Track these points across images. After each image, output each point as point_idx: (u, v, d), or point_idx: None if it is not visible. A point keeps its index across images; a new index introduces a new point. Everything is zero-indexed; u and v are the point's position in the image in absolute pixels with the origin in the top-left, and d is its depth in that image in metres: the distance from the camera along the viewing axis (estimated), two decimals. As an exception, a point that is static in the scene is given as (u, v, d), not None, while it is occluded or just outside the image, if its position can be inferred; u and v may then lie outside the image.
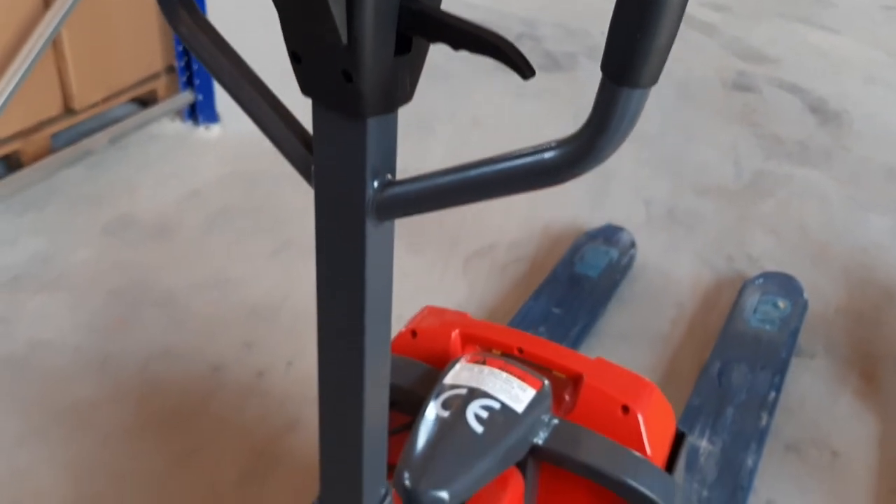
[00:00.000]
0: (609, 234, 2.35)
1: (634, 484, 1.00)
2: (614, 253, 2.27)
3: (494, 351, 1.10)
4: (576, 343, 1.97)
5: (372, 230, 0.66)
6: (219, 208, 2.53)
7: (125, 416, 1.83)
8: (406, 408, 1.05)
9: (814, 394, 1.95)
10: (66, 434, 1.78)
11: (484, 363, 1.04)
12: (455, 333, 1.14)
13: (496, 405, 0.98)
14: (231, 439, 1.78)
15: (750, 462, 1.67)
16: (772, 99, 3.31)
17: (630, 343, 2.09)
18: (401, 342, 1.17)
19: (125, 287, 2.20)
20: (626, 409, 1.05)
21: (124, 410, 1.84)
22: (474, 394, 0.99)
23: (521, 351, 1.11)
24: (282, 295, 2.13)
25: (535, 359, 1.10)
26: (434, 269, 2.30)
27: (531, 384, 1.02)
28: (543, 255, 2.38)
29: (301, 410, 1.82)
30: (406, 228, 2.44)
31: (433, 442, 0.94)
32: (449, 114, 3.08)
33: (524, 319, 2.00)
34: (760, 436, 1.74)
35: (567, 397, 1.09)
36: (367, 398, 0.73)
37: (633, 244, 2.31)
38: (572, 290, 2.12)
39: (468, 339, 1.14)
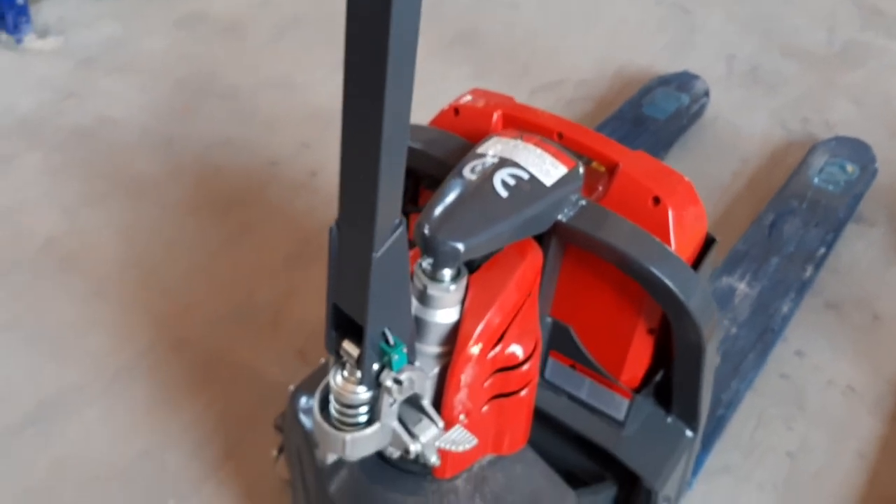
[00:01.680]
0: (684, 80, 2.27)
1: (654, 271, 1.00)
2: (686, 99, 2.20)
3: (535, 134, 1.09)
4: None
5: None
6: (291, 16, 2.52)
7: (183, 193, 1.90)
8: (436, 185, 1.06)
9: (866, 259, 1.90)
10: (126, 203, 1.86)
11: (520, 139, 1.04)
12: (497, 114, 1.14)
13: (524, 175, 0.98)
14: (280, 226, 1.84)
15: (785, 309, 1.66)
16: (883, -31, 3.09)
17: (686, 188, 2.05)
18: (443, 119, 1.17)
19: (193, 77, 2.23)
20: (657, 200, 1.04)
21: (183, 188, 1.91)
22: (504, 163, 0.99)
23: (560, 136, 1.10)
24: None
25: (573, 145, 1.09)
26: (498, 97, 2.28)
27: (564, 163, 1.02)
28: (612, 97, 2.32)
29: (349, 211, 1.86)
30: (475, 54, 2.41)
31: (456, 199, 0.95)
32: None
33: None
34: (801, 287, 1.72)
35: (601, 188, 1.08)
36: (387, 117, 0.74)
37: (706, 93, 2.24)
38: (636, 128, 2.08)
39: (510, 121, 1.13)
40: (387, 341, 0.91)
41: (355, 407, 0.96)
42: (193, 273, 1.73)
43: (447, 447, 0.99)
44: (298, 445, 1.18)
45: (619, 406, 1.20)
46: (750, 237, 1.82)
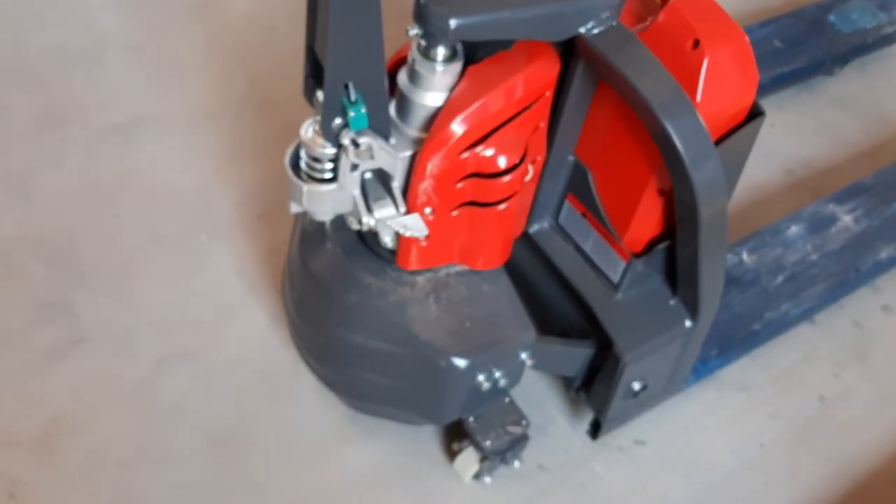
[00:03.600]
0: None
1: (662, 118, 0.91)
2: (883, 18, 1.94)
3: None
4: (772, 86, 1.77)
5: None
6: None
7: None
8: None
9: None
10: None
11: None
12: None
13: (550, -28, 0.91)
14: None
15: (884, 255, 1.48)
16: None
17: (843, 109, 1.85)
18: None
19: None
20: (696, 43, 0.94)
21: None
22: (536, -44, 0.92)
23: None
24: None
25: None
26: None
27: (606, -24, 0.93)
28: (806, 2, 2.08)
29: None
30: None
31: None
32: None
33: (736, 36, 1.80)
34: (918, 241, 1.52)
35: (649, 20, 0.99)
36: None
37: (914, 19, 1.96)
38: (810, 32, 1.87)
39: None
40: (349, 97, 0.90)
41: (320, 161, 0.97)
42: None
43: (398, 229, 0.99)
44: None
45: (616, 266, 1.14)
46: (883, 174, 1.62)
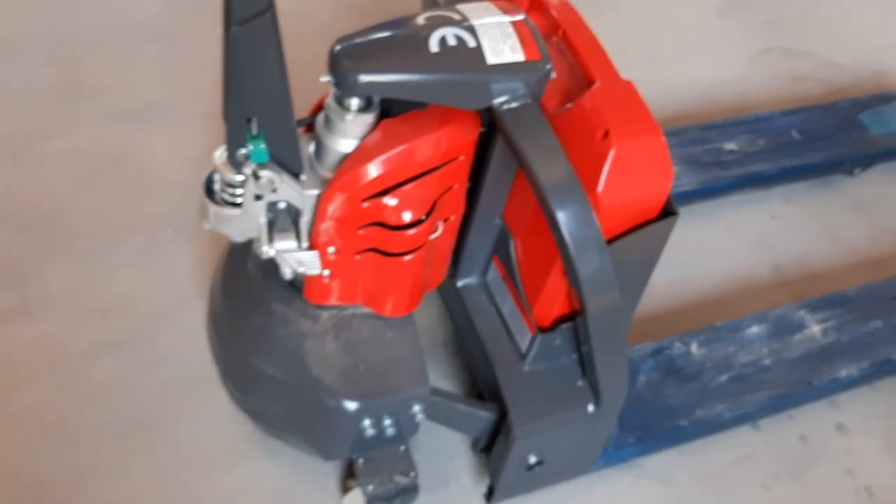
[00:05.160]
0: (936, 108, 1.92)
1: (551, 202, 0.90)
2: (921, 126, 1.87)
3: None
4: (781, 178, 1.73)
5: None
6: None
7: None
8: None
9: None
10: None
11: (505, 13, 0.95)
12: (528, -2, 1.05)
13: (471, 43, 0.91)
14: None
15: (844, 373, 1.42)
16: None
17: (854, 213, 1.78)
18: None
19: None
20: (606, 134, 0.93)
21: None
22: (460, 23, 0.92)
23: (564, 34, 1.00)
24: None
25: (570, 47, 0.99)
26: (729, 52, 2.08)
27: (528, 52, 0.93)
28: (848, 92, 2.02)
29: None
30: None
31: (385, 35, 0.91)
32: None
33: (751, 122, 1.76)
34: (887, 368, 1.46)
35: (572, 104, 0.98)
36: None
37: (953, 132, 1.88)
38: (837, 129, 1.81)
39: (533, 7, 1.04)
40: (251, 131, 0.92)
41: (230, 186, 1.00)
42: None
43: (292, 263, 1.00)
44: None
45: (524, 336, 1.14)
46: (870, 289, 1.56)
